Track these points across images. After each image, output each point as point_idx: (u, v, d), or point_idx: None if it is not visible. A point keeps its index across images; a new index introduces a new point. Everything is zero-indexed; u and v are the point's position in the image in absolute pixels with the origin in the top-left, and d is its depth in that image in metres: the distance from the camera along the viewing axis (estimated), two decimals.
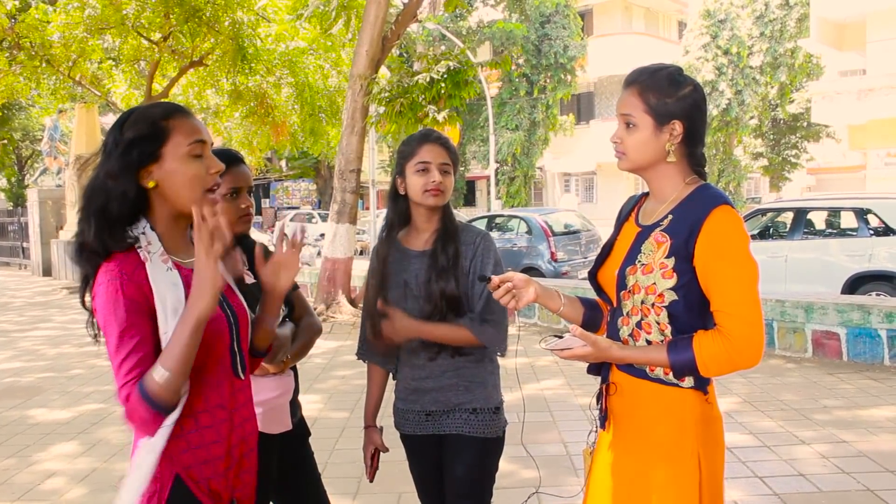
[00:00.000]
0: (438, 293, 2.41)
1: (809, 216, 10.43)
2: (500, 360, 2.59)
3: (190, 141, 1.74)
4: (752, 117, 33.87)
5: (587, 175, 37.66)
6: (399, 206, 2.53)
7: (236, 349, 1.83)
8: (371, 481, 2.68)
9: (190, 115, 1.79)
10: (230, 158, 2.37)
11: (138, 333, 1.62)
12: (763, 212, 11.07)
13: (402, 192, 2.51)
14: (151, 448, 1.66)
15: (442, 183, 2.43)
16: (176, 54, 15.68)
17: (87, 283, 1.72)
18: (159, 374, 1.58)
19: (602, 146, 31.92)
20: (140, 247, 1.70)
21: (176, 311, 1.67)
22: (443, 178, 2.44)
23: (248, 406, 1.87)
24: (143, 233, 1.72)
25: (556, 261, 12.83)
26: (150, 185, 1.72)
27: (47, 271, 19.60)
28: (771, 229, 10.95)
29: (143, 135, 1.70)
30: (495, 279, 2.05)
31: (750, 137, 35.69)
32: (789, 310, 7.53)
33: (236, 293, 1.91)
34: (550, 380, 6.85)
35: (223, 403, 1.78)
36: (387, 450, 2.65)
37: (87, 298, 1.73)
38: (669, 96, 1.89)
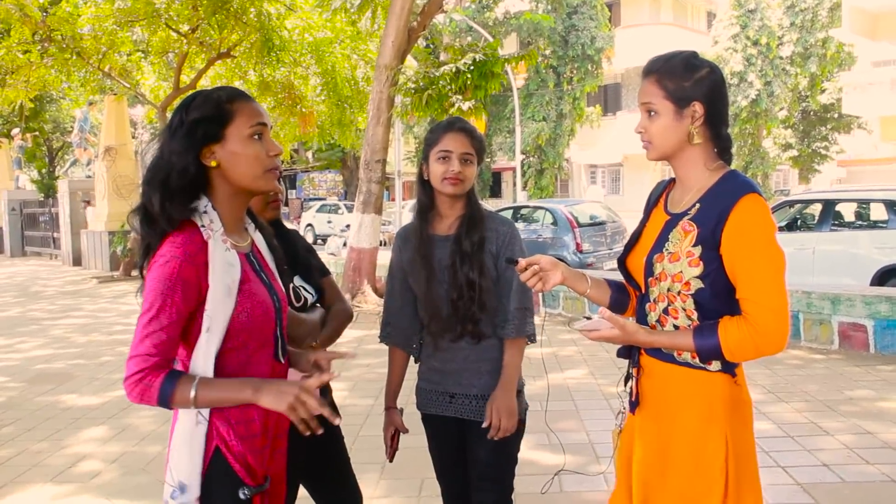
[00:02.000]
0: (464, 280, 2.45)
1: (838, 208, 10.31)
2: (526, 350, 2.61)
3: (252, 123, 1.82)
4: (781, 108, 33.49)
5: (613, 167, 37.48)
6: (425, 192, 2.57)
7: (279, 334, 1.91)
8: (391, 461, 2.72)
9: (251, 99, 1.88)
10: None
11: (176, 315, 1.70)
12: (791, 203, 10.96)
13: (426, 178, 2.55)
14: (199, 423, 1.75)
15: (461, 172, 2.45)
16: (204, 46, 15.79)
17: (148, 251, 1.79)
18: (189, 395, 1.69)
19: (628, 138, 31.73)
20: (203, 225, 1.78)
21: (230, 291, 1.76)
22: (463, 167, 2.46)
23: None
24: (205, 211, 1.80)
25: (581, 252, 12.80)
26: (213, 164, 1.80)
27: (77, 261, 19.88)
28: (799, 221, 10.84)
29: (208, 115, 1.79)
30: (523, 261, 2.08)
31: (779, 129, 35.31)
32: (816, 301, 7.47)
33: (279, 283, 1.98)
34: (574, 369, 6.86)
35: None
36: (406, 430, 2.70)
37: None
38: (686, 80, 1.91)
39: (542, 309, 9.86)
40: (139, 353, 1.68)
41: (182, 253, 1.71)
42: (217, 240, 1.77)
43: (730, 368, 1.91)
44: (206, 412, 1.75)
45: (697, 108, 1.91)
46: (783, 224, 10.40)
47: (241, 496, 1.78)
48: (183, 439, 1.76)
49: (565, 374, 6.70)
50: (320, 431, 1.78)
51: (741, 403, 1.94)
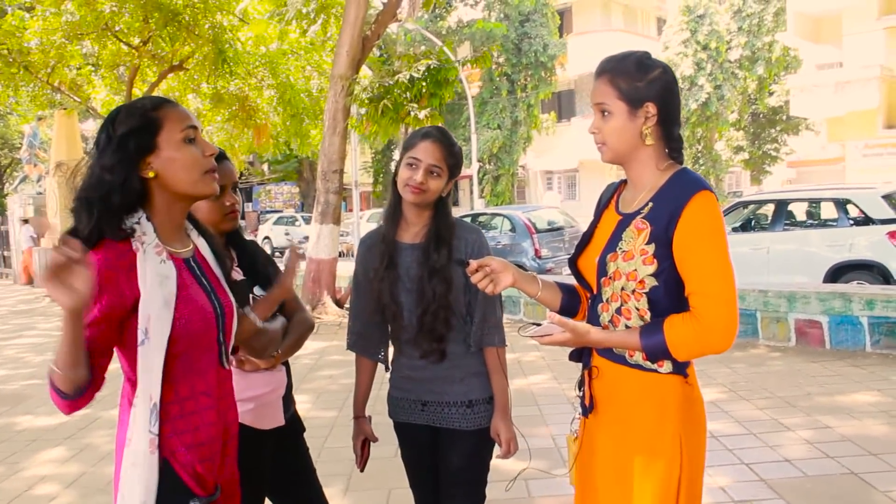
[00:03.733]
0: (432, 294, 2.42)
1: (790, 208, 10.54)
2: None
3: (182, 127, 1.77)
4: (731, 111, 34.11)
5: (569, 172, 37.75)
6: (395, 196, 2.53)
7: (222, 340, 1.87)
8: (362, 471, 2.70)
9: (176, 104, 1.84)
10: None
11: (90, 318, 1.62)
12: (744, 204, 11.16)
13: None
14: (146, 445, 1.69)
15: (424, 183, 2.41)
16: (156, 59, 15.61)
17: None
18: (56, 373, 1.60)
19: (584, 143, 31.98)
20: (134, 237, 1.72)
21: (167, 303, 1.70)
22: (427, 178, 2.42)
23: (231, 395, 1.93)
24: (139, 223, 1.75)
25: (540, 258, 12.89)
26: (151, 174, 1.75)
27: (29, 280, 19.44)
28: (753, 221, 11.04)
29: (136, 127, 1.74)
30: (473, 263, 2.06)
31: (730, 131, 35.95)
32: (772, 299, 7.61)
33: (225, 289, 1.94)
34: (538, 374, 6.89)
35: (209, 391, 1.81)
36: (376, 439, 2.67)
37: None
38: (640, 80, 1.92)
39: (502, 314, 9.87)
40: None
41: (102, 258, 1.65)
42: (149, 252, 1.72)
43: (681, 369, 1.91)
44: (156, 427, 1.69)
45: (651, 108, 1.91)
46: (737, 225, 10.58)
47: None
48: (135, 463, 1.70)
49: (529, 379, 6.71)
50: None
51: (693, 402, 1.94)
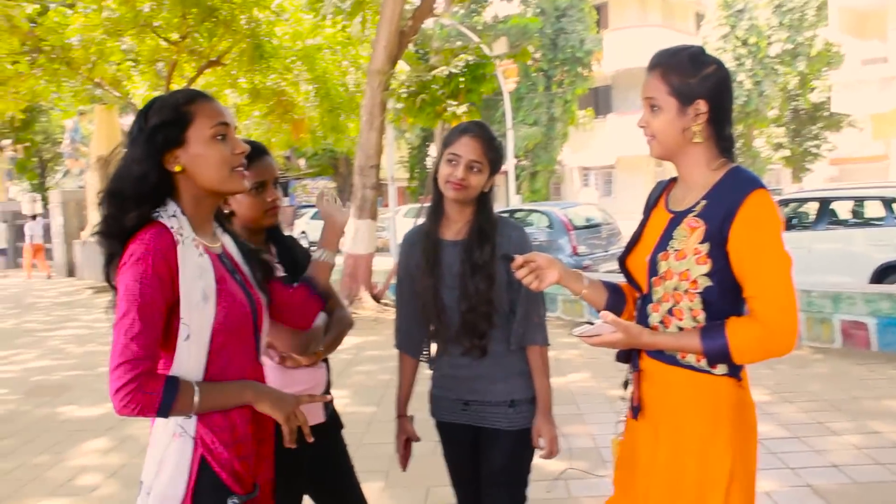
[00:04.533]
0: (474, 290, 2.39)
1: (833, 206, 10.30)
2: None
3: (213, 123, 1.77)
4: (772, 108, 33.58)
5: (606, 169, 37.47)
6: (437, 193, 2.50)
7: (258, 336, 1.87)
8: (404, 470, 2.68)
9: (212, 99, 1.82)
10: (253, 151, 2.34)
11: (157, 313, 1.64)
12: (786, 202, 10.94)
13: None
14: (180, 436, 1.69)
15: (465, 179, 2.38)
16: (194, 54, 15.73)
17: (111, 260, 1.74)
18: (193, 402, 1.65)
19: (620, 140, 31.84)
20: (172, 228, 1.71)
21: (207, 298, 1.70)
22: (468, 174, 2.38)
23: None
24: (174, 215, 1.74)
25: (577, 254, 12.77)
26: (177, 168, 1.75)
27: (71, 272, 19.77)
28: (794, 220, 10.83)
29: (167, 120, 1.74)
30: (519, 258, 2.03)
31: (770, 128, 35.39)
32: (816, 300, 7.45)
33: (254, 285, 1.93)
34: (576, 373, 6.83)
35: None
36: (418, 439, 2.65)
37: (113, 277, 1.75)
38: (692, 76, 1.87)
39: None
40: (126, 360, 1.59)
41: (153, 248, 1.65)
42: (188, 245, 1.71)
43: (735, 372, 1.87)
44: (189, 424, 1.69)
45: (701, 105, 1.87)
46: None
47: None
48: (163, 455, 1.70)
49: (568, 377, 6.65)
50: (311, 440, 1.80)
51: (746, 406, 1.90)
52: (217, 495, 1.71)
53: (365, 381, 6.85)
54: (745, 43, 32.43)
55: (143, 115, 1.76)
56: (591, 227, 13.75)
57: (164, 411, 1.62)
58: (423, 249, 2.50)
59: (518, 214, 14.87)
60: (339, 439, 2.71)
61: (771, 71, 33.08)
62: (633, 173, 34.32)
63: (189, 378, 1.67)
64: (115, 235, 1.72)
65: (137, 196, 1.71)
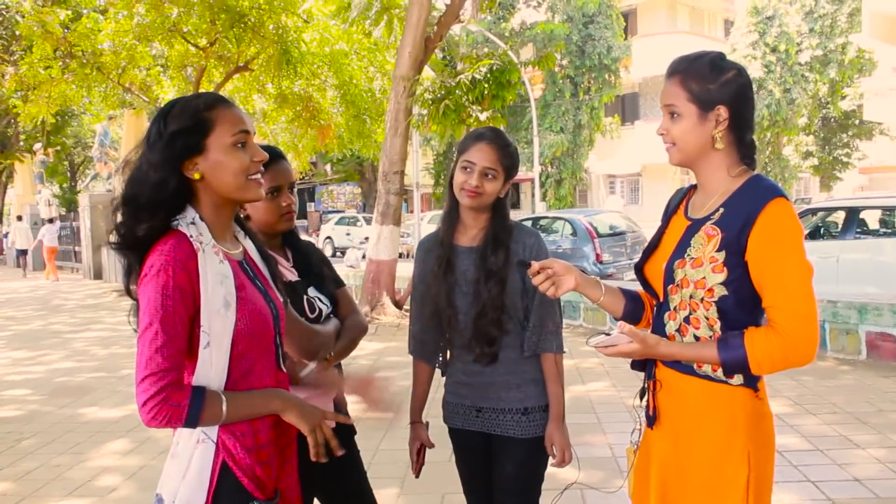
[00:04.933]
0: (487, 296, 2.38)
1: (862, 215, 10.14)
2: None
3: (234, 131, 1.74)
4: (801, 116, 33.21)
5: (632, 177, 37.31)
6: (452, 199, 2.49)
7: (279, 342, 1.85)
8: (417, 477, 2.66)
9: (232, 105, 1.79)
10: (269, 155, 2.35)
11: (181, 324, 1.63)
12: (814, 211, 10.80)
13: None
14: (202, 441, 1.69)
15: (479, 186, 2.36)
16: (222, 60, 15.91)
17: (131, 271, 1.73)
18: (221, 412, 1.65)
19: (647, 147, 31.66)
20: (192, 236, 1.69)
21: (228, 305, 1.68)
22: (482, 181, 2.37)
23: None
24: (193, 223, 1.72)
25: (601, 262, 12.71)
26: (196, 176, 1.72)
27: (98, 274, 20.02)
28: (822, 229, 10.69)
29: (186, 127, 1.70)
30: (535, 265, 2.01)
31: (799, 136, 35.00)
32: (842, 311, 7.34)
33: (275, 291, 1.92)
34: (597, 382, 6.77)
35: None
36: (432, 445, 2.64)
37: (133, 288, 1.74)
38: (712, 82, 1.84)
39: (562, 320, 9.77)
40: (152, 372, 1.58)
41: (173, 259, 1.63)
42: (209, 252, 1.69)
43: (752, 382, 1.84)
44: (212, 429, 1.68)
45: (722, 112, 1.84)
46: (806, 232, 10.25)
47: None
48: (184, 459, 1.69)
49: (587, 386, 6.61)
50: (340, 453, 1.79)
51: (763, 417, 1.87)
52: (238, 500, 1.70)
53: (384, 386, 6.84)
54: (774, 50, 32.13)
55: (163, 118, 1.73)
56: (616, 234, 13.68)
57: (191, 422, 1.61)
58: (437, 256, 2.50)
59: (542, 221, 14.84)
60: (352, 444, 2.71)
61: (801, 78, 32.73)
62: (660, 181, 34.10)
63: (212, 385, 1.66)
64: (131, 247, 1.70)
65: (153, 203, 1.68)
